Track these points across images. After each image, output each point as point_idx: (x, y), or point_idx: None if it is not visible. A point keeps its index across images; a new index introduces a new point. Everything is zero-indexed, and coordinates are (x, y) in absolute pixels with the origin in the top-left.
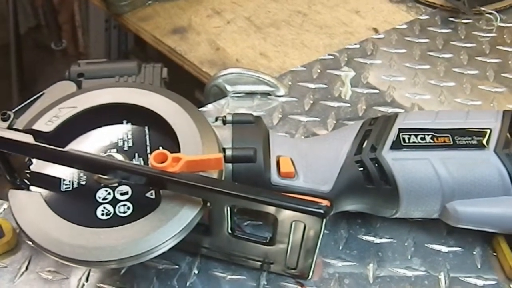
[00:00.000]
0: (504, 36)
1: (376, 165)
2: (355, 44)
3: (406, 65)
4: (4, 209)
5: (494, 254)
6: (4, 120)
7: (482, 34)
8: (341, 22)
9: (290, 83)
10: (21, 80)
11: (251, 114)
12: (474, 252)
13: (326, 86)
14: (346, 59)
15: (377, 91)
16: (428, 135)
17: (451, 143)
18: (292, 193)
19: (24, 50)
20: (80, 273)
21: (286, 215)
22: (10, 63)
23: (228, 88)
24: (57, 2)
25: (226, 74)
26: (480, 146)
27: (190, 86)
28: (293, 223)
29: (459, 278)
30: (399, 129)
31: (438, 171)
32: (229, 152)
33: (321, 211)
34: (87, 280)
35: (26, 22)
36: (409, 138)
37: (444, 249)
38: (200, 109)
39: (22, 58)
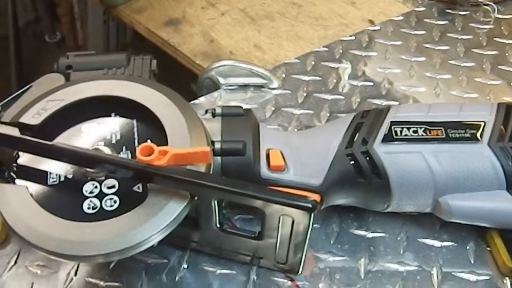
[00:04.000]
0: (502, 28)
1: (368, 158)
2: (351, 36)
3: (402, 57)
4: None
5: (488, 249)
6: None
7: (479, 26)
8: (337, 13)
9: (284, 75)
10: (20, 73)
11: (241, 106)
12: (468, 247)
13: (320, 78)
14: (341, 51)
15: (372, 83)
16: (420, 128)
17: (444, 136)
18: (282, 186)
19: (23, 43)
20: (69, 267)
21: (274, 209)
22: (9, 56)
23: (221, 80)
24: None
25: (219, 66)
26: (473, 139)
27: (186, 78)
28: (281, 217)
29: (452, 273)
30: (391, 122)
31: (431, 165)
32: (218, 145)
33: (309, 205)
34: (75, 274)
35: (25, 15)
36: (401, 131)
37: (437, 243)
38: (192, 102)
39: (21, 51)
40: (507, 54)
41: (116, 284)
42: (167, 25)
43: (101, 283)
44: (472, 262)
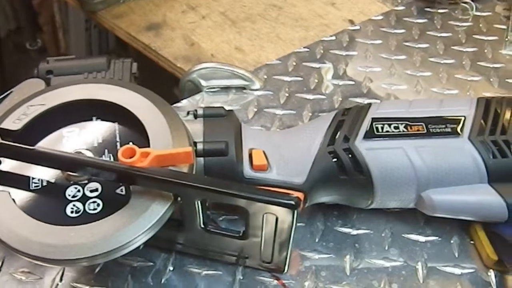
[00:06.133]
0: (480, 25)
1: (350, 155)
2: (331, 36)
3: (382, 56)
4: None
5: (472, 242)
6: None
7: (458, 23)
8: (317, 14)
9: (265, 76)
10: (2, 82)
11: (222, 107)
12: (452, 241)
13: (301, 78)
14: (322, 51)
15: (353, 82)
16: (401, 124)
17: (425, 131)
18: (266, 185)
19: (5, 53)
20: (54, 272)
21: (257, 208)
22: None
23: (203, 83)
24: (36, 4)
25: (201, 69)
26: (454, 133)
27: (169, 83)
28: (265, 215)
29: (437, 268)
30: (372, 118)
31: (412, 160)
32: (200, 146)
33: (292, 202)
34: (61, 279)
35: (6, 25)
36: (382, 128)
37: (422, 238)
38: (175, 105)
39: (3, 61)
40: (486, 51)
41: None
42: (148, 29)
43: (87, 287)
44: (457, 256)
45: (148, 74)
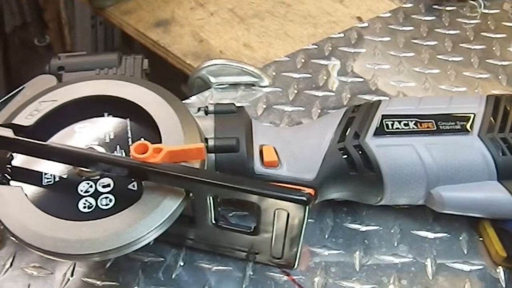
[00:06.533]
0: (488, 23)
1: (360, 152)
2: (339, 33)
3: (391, 53)
4: None
5: (481, 239)
6: None
7: (466, 21)
8: (325, 11)
9: (274, 73)
10: (8, 79)
11: (233, 104)
12: (461, 238)
13: (310, 75)
14: (330, 48)
15: (361, 79)
16: (411, 121)
17: (435, 128)
18: (276, 182)
19: (11, 49)
20: (65, 267)
21: (269, 203)
22: None
23: (212, 79)
24: (42, 0)
25: (210, 65)
26: (464, 131)
27: (176, 80)
28: (276, 211)
29: (445, 264)
30: (382, 115)
31: (422, 157)
32: (211, 142)
33: (304, 198)
34: (72, 274)
35: (12, 21)
36: (392, 124)
37: (431, 235)
38: (183, 101)
39: (9, 57)
40: (494, 48)
41: (113, 283)
42: (157, 26)
43: (98, 282)
44: (466, 252)
45: (155, 71)
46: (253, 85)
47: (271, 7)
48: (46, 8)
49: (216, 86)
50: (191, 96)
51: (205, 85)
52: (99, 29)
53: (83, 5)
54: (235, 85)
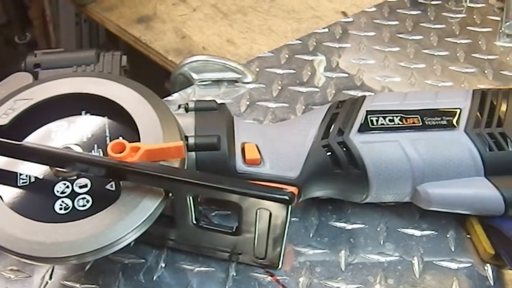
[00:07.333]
0: (474, 17)
1: (344, 149)
2: (324, 28)
3: (376, 48)
4: None
5: (468, 236)
6: None
7: (451, 15)
8: (309, 6)
9: (257, 69)
10: None
11: (214, 100)
12: (448, 235)
13: (294, 71)
14: (315, 43)
15: (346, 75)
16: (396, 116)
17: (421, 124)
18: (259, 180)
19: None
20: (43, 271)
21: (250, 203)
22: None
23: (194, 76)
24: None
25: (192, 62)
26: (450, 126)
27: (160, 77)
28: (258, 211)
29: (433, 262)
30: (367, 111)
31: (408, 153)
32: (191, 140)
33: (286, 197)
34: (50, 277)
35: None
36: (377, 120)
37: (417, 233)
38: (166, 98)
39: None
40: (480, 42)
41: (93, 286)
42: (138, 22)
43: (77, 285)
44: (453, 250)
45: (139, 68)
46: (236, 81)
47: (254, 2)
48: (30, 5)
49: (199, 83)
50: (173, 93)
51: (188, 82)
52: (84, 26)
53: (67, 2)
54: (218, 82)
